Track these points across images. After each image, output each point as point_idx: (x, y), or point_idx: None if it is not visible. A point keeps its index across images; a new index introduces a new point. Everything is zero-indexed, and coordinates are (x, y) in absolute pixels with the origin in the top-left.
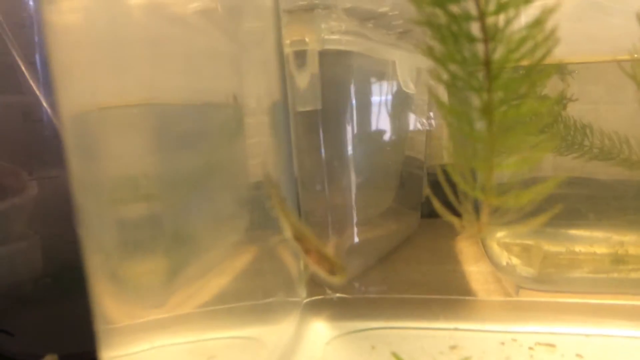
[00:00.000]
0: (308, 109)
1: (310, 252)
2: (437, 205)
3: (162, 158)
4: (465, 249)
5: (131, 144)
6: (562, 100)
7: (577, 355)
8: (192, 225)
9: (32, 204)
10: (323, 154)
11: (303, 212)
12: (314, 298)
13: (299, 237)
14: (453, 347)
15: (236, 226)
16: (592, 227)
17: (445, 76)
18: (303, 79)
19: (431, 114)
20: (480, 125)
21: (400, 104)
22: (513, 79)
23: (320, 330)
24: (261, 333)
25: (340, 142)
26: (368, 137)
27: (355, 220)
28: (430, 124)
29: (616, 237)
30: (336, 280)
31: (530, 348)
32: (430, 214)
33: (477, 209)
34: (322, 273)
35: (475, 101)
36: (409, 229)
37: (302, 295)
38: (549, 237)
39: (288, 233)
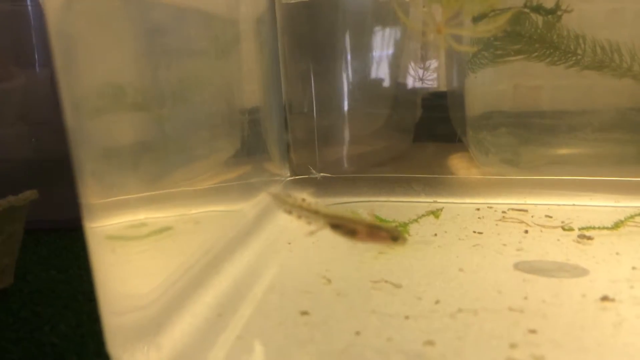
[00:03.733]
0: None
1: (358, 232)
2: None
3: (149, 64)
4: (458, 164)
5: (115, 43)
6: (558, 10)
7: (547, 216)
8: (180, 138)
9: (20, 93)
10: (312, 76)
11: (290, 130)
12: (298, 177)
13: (336, 224)
14: (430, 211)
15: (228, 144)
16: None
17: None
18: None
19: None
20: None
21: (394, 28)
22: None
23: None
24: (242, 206)
25: (330, 64)
26: (359, 58)
27: (344, 139)
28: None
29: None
30: (400, 242)
31: (504, 212)
32: (425, 138)
33: None
34: (381, 245)
35: None
36: (400, 148)
37: (285, 174)
38: (532, 142)
39: (322, 226)
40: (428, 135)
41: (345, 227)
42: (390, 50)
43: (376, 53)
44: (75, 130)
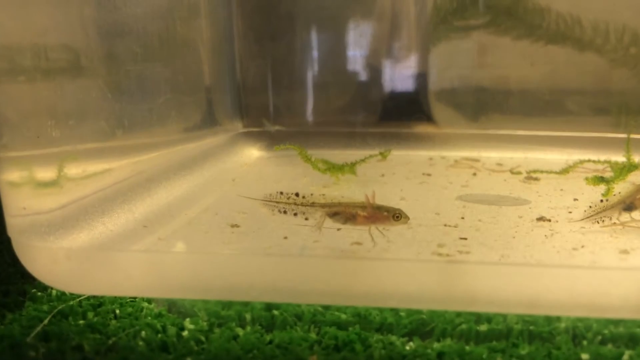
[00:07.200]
0: None
1: (358, 217)
2: None
3: (104, 27)
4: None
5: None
6: None
7: (498, 164)
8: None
9: None
10: (269, 52)
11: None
12: (251, 129)
13: (335, 213)
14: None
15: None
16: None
17: None
18: None
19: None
20: None
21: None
22: None
23: (255, 153)
24: (186, 147)
25: (289, 41)
26: (322, 34)
27: (305, 115)
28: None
29: None
30: (402, 221)
31: (456, 160)
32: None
33: None
34: (385, 225)
35: None
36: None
37: (237, 126)
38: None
39: (320, 217)
40: (395, 112)
41: (344, 213)
42: (358, 27)
43: (341, 29)
44: None
